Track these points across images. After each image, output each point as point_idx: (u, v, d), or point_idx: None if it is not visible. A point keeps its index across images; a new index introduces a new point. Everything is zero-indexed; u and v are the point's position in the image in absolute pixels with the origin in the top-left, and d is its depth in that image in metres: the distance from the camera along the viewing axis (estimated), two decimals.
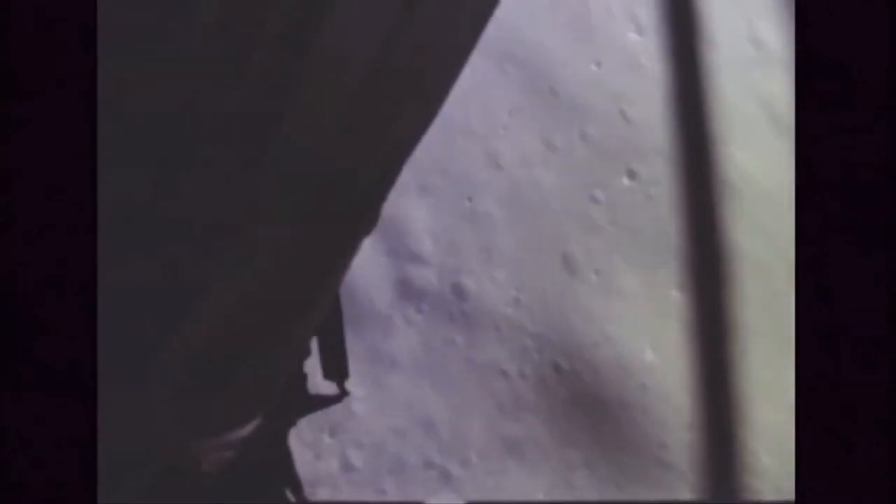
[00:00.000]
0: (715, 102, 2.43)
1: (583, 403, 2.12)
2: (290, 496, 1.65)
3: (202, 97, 1.27)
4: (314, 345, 1.68)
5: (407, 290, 2.06)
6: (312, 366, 1.68)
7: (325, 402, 1.76)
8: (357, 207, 1.42)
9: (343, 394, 1.74)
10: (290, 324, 1.44)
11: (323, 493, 1.85)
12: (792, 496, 1.10)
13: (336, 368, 1.71)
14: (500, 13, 2.34)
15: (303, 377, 1.68)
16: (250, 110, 1.29)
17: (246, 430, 1.45)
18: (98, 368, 1.06)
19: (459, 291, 2.10)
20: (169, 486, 1.40)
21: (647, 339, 2.19)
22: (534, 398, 2.09)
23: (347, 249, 1.45)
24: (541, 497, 1.95)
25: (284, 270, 1.38)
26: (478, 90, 2.30)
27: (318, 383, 1.73)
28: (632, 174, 2.36)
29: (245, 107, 1.29)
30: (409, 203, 2.13)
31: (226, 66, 1.26)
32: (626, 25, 2.50)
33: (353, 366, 1.92)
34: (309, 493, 1.79)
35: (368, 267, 2.03)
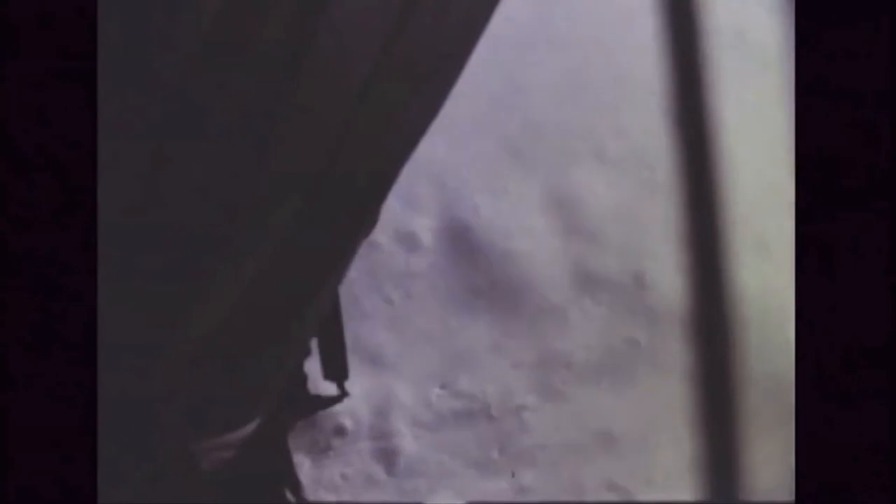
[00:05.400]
0: None
1: (781, 409, 1.82)
2: (290, 496, 1.64)
3: (202, 97, 1.28)
4: (314, 345, 1.66)
5: (583, 278, 1.78)
6: (312, 366, 1.65)
7: (325, 402, 1.72)
8: (356, 207, 1.43)
9: (343, 394, 1.71)
10: (289, 324, 1.45)
11: None
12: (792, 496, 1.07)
13: (336, 369, 1.69)
14: None
15: (303, 377, 1.67)
16: (250, 110, 1.30)
17: (246, 430, 1.47)
18: (98, 368, 1.08)
19: (641, 280, 1.80)
20: (169, 485, 1.43)
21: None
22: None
23: (346, 250, 1.46)
24: None
25: (284, 270, 1.39)
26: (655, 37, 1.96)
27: (319, 384, 1.69)
28: None
29: (245, 107, 1.30)
30: (582, 174, 1.84)
31: (225, 65, 1.28)
32: None
33: (525, 369, 1.66)
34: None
35: (541, 251, 1.74)
